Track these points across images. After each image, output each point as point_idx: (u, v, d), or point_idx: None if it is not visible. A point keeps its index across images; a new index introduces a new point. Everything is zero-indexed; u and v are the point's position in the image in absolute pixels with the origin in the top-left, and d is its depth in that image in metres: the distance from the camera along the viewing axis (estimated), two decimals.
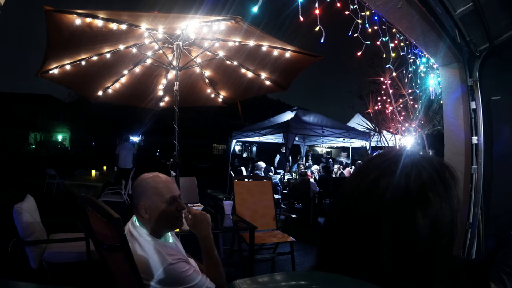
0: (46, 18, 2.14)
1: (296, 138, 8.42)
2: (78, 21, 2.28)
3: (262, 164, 7.65)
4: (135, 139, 22.13)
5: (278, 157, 9.80)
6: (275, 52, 2.91)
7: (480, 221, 2.28)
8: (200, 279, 1.25)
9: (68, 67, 2.93)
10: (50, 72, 2.90)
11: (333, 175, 8.13)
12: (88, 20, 2.32)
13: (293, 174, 8.19)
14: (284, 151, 9.94)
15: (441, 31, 2.01)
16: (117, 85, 3.64)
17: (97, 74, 3.32)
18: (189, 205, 3.01)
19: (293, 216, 3.63)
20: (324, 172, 7.12)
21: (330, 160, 11.22)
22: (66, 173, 7.69)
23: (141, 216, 1.28)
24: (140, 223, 1.30)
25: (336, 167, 8.92)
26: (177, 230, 2.28)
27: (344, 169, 8.85)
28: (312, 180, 6.62)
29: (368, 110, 4.26)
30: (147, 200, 1.28)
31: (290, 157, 9.66)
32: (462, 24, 2.09)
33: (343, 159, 10.40)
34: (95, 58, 2.95)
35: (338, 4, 1.99)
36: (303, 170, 7.41)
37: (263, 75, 3.47)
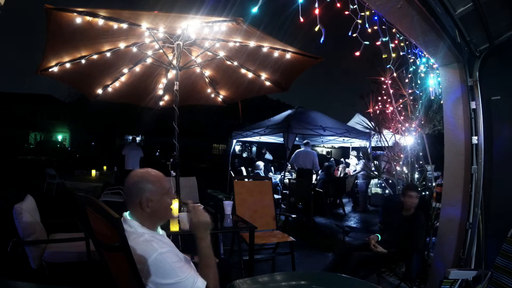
0: (46, 16, 2.13)
1: (296, 138, 8.41)
2: (78, 19, 2.27)
3: (261, 163, 7.66)
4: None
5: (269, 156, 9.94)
6: (276, 53, 2.91)
7: (480, 221, 2.28)
8: (190, 274, 1.25)
9: (68, 64, 2.92)
10: (50, 69, 2.90)
11: (340, 175, 8.17)
12: (89, 18, 2.32)
13: (293, 173, 8.19)
14: (264, 151, 10.18)
15: (441, 31, 2.01)
16: (117, 83, 3.63)
17: (97, 72, 3.32)
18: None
19: (293, 216, 3.63)
20: (325, 173, 7.12)
21: (332, 159, 11.19)
22: (66, 173, 7.69)
23: (142, 210, 1.32)
24: (132, 217, 1.33)
25: (341, 166, 8.93)
26: (177, 230, 2.29)
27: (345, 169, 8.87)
28: (314, 177, 6.63)
29: (368, 110, 4.26)
30: (150, 194, 1.32)
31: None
32: (462, 24, 2.10)
33: (353, 159, 10.13)
34: (95, 56, 2.95)
35: (338, 4, 1.99)
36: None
37: (263, 75, 3.47)
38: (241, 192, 3.48)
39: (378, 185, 7.50)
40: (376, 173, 4.41)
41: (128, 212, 1.35)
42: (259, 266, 3.46)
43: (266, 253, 3.77)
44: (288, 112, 8.49)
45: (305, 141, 7.53)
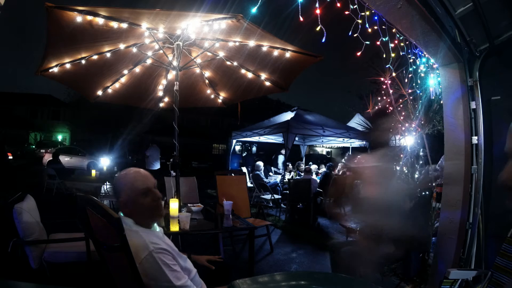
0: (47, 14, 2.14)
1: (296, 138, 8.41)
2: (79, 18, 2.28)
3: (261, 164, 7.68)
4: None
5: (281, 158, 9.83)
6: (275, 53, 2.90)
7: (480, 221, 2.28)
8: (184, 283, 1.22)
9: (68, 65, 2.92)
10: (50, 70, 2.90)
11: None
12: (89, 17, 2.32)
13: (293, 173, 8.19)
14: (284, 152, 10.16)
15: (441, 31, 2.01)
16: (117, 84, 3.63)
17: (97, 73, 3.32)
18: (188, 205, 3.02)
19: (265, 203, 3.85)
20: (329, 171, 7.11)
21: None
22: (65, 173, 7.69)
23: (125, 209, 1.34)
24: (126, 215, 1.35)
25: (340, 166, 8.92)
26: (177, 229, 2.29)
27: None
28: (314, 176, 6.62)
29: (368, 110, 4.26)
30: (124, 196, 1.33)
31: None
32: (462, 24, 2.09)
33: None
34: (95, 57, 2.95)
35: (338, 4, 1.99)
36: (307, 166, 7.37)
37: (263, 75, 3.47)
38: (223, 185, 3.80)
39: None
40: None
41: (120, 212, 1.37)
42: (259, 266, 3.46)
43: (244, 233, 3.94)
44: (288, 112, 8.50)
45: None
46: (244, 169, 8.99)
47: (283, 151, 9.99)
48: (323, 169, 8.99)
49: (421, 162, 3.68)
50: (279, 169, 9.93)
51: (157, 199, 1.37)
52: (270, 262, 3.64)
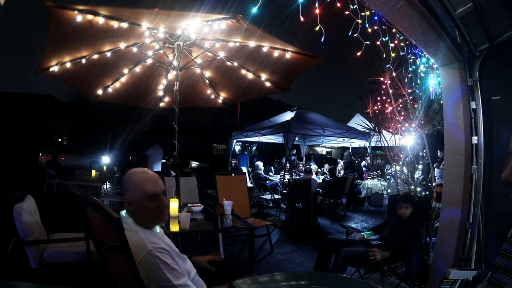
0: (47, 13, 2.14)
1: (296, 138, 8.41)
2: (79, 17, 2.27)
3: (260, 163, 7.69)
4: None
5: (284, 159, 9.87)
6: (276, 53, 2.90)
7: (480, 221, 2.28)
8: (184, 282, 1.22)
9: (68, 64, 2.92)
10: (51, 69, 2.90)
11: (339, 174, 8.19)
12: (90, 17, 2.32)
13: (293, 174, 8.19)
14: (293, 153, 10.22)
15: (441, 31, 2.01)
16: (117, 84, 3.63)
17: (97, 73, 3.32)
18: (188, 205, 3.02)
19: (265, 203, 3.88)
20: (329, 175, 7.13)
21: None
22: (65, 173, 7.69)
23: (127, 207, 1.33)
24: (127, 214, 1.34)
25: (340, 166, 8.95)
26: (177, 229, 2.29)
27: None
28: (313, 176, 6.63)
29: (368, 110, 4.26)
30: (131, 195, 1.32)
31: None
32: (462, 24, 2.10)
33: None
34: (95, 56, 2.95)
35: (338, 4, 1.99)
36: (308, 166, 7.37)
37: (264, 76, 3.46)
38: (223, 185, 3.81)
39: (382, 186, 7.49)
40: (379, 172, 4.42)
41: (124, 210, 1.36)
42: (259, 266, 3.46)
43: (244, 233, 3.95)
44: (288, 112, 8.50)
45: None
46: (244, 169, 8.99)
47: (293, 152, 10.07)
48: (326, 167, 9.00)
49: (421, 162, 3.68)
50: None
51: (163, 206, 1.37)
52: (270, 262, 3.64)
